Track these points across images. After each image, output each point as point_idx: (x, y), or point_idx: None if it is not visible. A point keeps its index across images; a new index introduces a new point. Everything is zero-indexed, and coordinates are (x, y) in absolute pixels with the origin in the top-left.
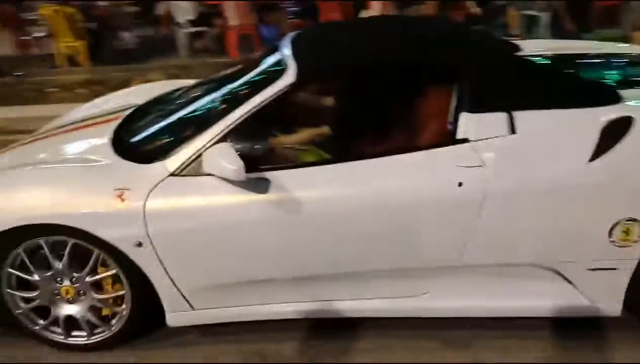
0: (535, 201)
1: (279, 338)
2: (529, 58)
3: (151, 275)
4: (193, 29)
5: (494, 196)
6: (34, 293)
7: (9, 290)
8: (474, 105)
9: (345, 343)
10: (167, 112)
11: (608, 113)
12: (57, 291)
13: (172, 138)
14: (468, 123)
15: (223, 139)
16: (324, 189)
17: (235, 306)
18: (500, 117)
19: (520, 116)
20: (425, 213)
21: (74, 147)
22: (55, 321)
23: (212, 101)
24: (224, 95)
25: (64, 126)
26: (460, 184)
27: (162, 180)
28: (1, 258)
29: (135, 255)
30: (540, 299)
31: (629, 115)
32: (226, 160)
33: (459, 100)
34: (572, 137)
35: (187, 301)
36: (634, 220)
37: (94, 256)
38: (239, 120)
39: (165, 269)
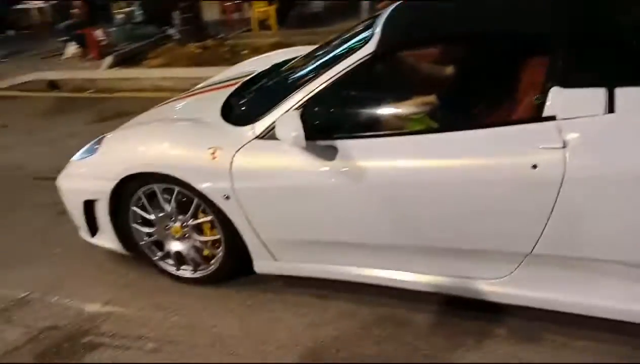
0: (625, 191)
1: (417, 308)
2: None
3: (238, 225)
4: None
5: (573, 182)
6: (152, 229)
7: (134, 225)
8: (566, 78)
9: (483, 326)
10: (271, 80)
11: None
12: (168, 230)
13: (264, 105)
14: (558, 99)
15: (304, 106)
16: (392, 160)
17: (312, 262)
18: (596, 93)
19: (623, 93)
20: (496, 195)
21: (195, 108)
22: (168, 255)
23: (304, 70)
24: (315, 64)
25: (204, 87)
26: (534, 166)
27: (249, 142)
28: (128, 199)
29: (224, 206)
30: (624, 301)
31: None
32: (289, 127)
33: (552, 73)
34: None
35: (270, 252)
36: None
37: (194, 204)
38: (318, 89)
39: (249, 221)
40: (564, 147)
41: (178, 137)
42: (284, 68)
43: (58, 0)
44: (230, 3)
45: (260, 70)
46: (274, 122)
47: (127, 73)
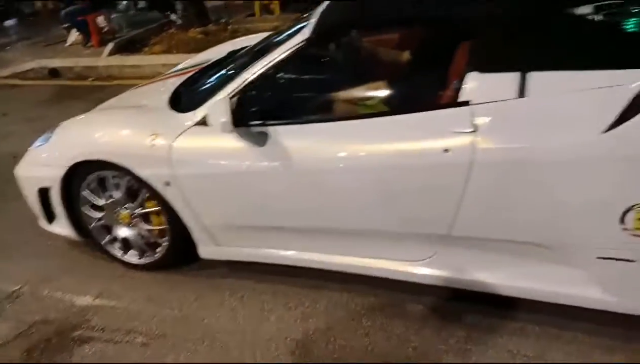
0: (533, 173)
1: (410, 299)
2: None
3: (180, 211)
4: None
5: (483, 165)
6: (100, 214)
7: (84, 209)
8: (482, 64)
9: (475, 318)
10: (220, 68)
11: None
12: (117, 216)
13: (207, 92)
14: (473, 84)
15: (241, 93)
16: (317, 145)
17: (253, 247)
18: (508, 78)
19: (535, 77)
20: (413, 179)
21: (148, 96)
22: (116, 240)
23: (248, 58)
24: (258, 52)
25: (169, 74)
26: (446, 150)
27: (189, 128)
28: (80, 184)
29: (166, 192)
30: (546, 283)
31: None
32: (218, 113)
33: (471, 59)
34: (591, 104)
35: (212, 238)
36: None
37: (141, 192)
38: (254, 76)
39: (190, 207)
40: (474, 131)
41: (121, 125)
42: (234, 56)
43: None
44: None
45: (216, 58)
46: None
47: (127, 60)
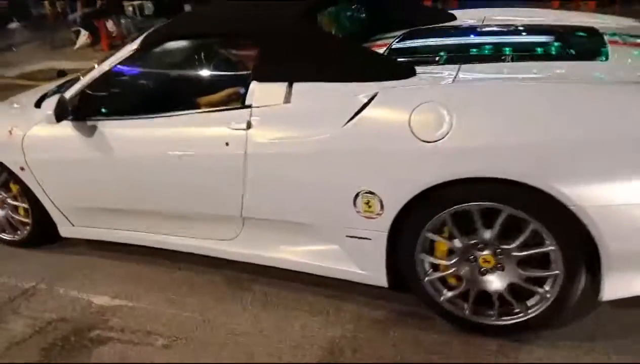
0: (293, 162)
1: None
2: (338, 34)
3: (37, 193)
4: None
5: (254, 156)
6: None
7: None
8: (260, 74)
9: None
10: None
11: (378, 88)
12: None
13: (60, 92)
14: (254, 91)
15: (81, 93)
16: (134, 137)
17: (103, 228)
18: (279, 87)
19: (299, 87)
20: (204, 166)
21: (30, 95)
22: None
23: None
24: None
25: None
26: (227, 144)
27: (40, 121)
28: None
29: (22, 176)
30: (317, 258)
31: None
32: (48, 107)
33: (253, 69)
34: (335, 109)
35: (67, 218)
36: (372, 193)
37: (3, 175)
38: (92, 79)
39: (43, 190)
40: (248, 128)
41: None
42: None
43: None
44: None
45: None
46: None
47: None
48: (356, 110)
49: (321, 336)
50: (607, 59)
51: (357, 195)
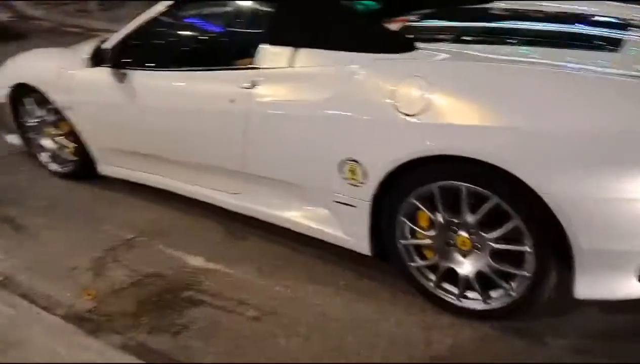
0: (289, 123)
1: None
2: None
3: (79, 133)
4: None
5: (257, 114)
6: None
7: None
8: (269, 38)
9: None
10: None
11: (372, 59)
12: (43, 132)
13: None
14: (263, 53)
15: (119, 44)
16: (152, 88)
17: (136, 170)
18: (286, 51)
19: (303, 52)
20: (211, 121)
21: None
22: (42, 147)
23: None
24: None
25: None
26: (232, 101)
27: (82, 66)
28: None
29: (68, 114)
30: (309, 220)
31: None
32: (85, 53)
33: (265, 33)
34: (329, 76)
35: (103, 157)
36: (356, 161)
37: (53, 113)
38: (128, 31)
39: (86, 129)
40: (253, 87)
41: (49, 59)
42: None
43: None
44: None
45: None
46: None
47: None
48: (346, 78)
49: (417, 335)
50: (622, 51)
51: (343, 162)
